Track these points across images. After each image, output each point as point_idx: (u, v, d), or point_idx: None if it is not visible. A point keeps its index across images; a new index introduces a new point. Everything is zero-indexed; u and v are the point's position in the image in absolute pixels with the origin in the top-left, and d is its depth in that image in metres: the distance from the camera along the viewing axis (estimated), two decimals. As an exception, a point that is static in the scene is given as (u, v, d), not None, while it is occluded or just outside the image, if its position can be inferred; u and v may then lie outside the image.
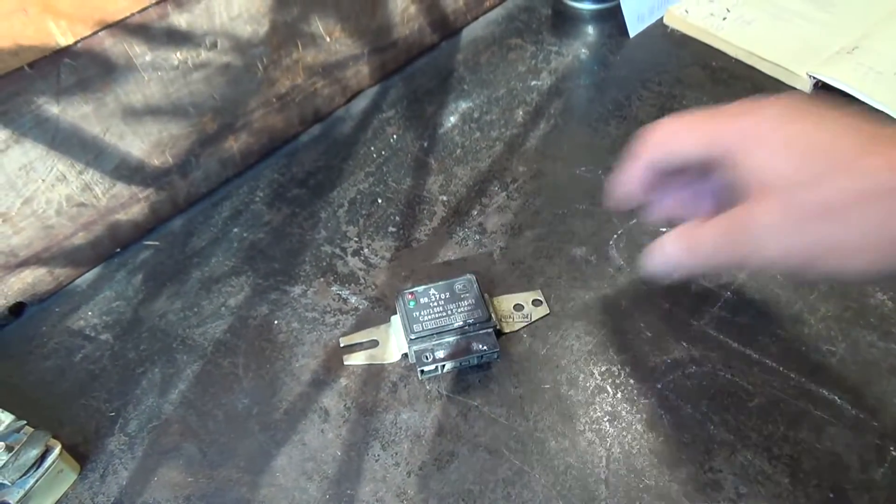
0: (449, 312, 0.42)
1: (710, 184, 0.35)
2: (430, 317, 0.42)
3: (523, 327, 0.44)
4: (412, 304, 0.43)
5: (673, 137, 0.34)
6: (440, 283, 0.44)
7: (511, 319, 0.44)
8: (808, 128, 0.31)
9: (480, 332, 0.42)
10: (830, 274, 0.31)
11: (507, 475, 0.37)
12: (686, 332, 0.42)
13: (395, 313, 0.44)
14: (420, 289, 0.44)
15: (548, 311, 0.44)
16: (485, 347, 0.41)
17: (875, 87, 0.52)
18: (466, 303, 0.43)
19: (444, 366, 0.41)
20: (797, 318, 0.42)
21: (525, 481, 0.37)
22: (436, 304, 0.43)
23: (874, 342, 0.41)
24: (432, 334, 0.42)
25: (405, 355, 0.43)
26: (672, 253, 0.34)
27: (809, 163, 0.31)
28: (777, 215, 0.31)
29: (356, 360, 0.43)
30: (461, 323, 0.42)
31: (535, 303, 0.45)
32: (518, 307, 0.44)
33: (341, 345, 0.44)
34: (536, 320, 0.44)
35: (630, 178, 0.35)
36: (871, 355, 0.40)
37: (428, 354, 0.41)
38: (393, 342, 0.44)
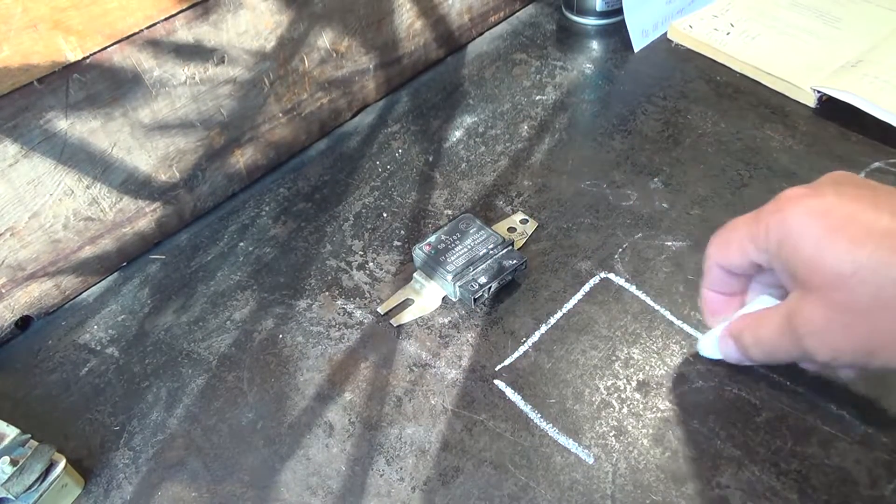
0: (468, 246, 0.46)
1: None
2: (454, 256, 0.46)
3: (526, 241, 0.49)
4: (433, 252, 0.46)
5: (722, 254, 0.35)
6: (443, 227, 0.47)
7: (513, 239, 0.48)
8: (861, 206, 0.29)
9: (503, 251, 0.46)
10: (892, 367, 0.29)
11: (513, 490, 0.37)
12: (692, 347, 0.42)
13: (416, 270, 0.47)
14: (432, 238, 0.47)
15: (537, 224, 0.50)
16: (514, 261, 0.45)
17: (882, 96, 0.52)
18: (478, 235, 0.47)
19: (489, 288, 0.44)
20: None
21: (530, 497, 0.37)
22: (452, 244, 0.46)
23: (882, 357, 0.40)
24: (466, 267, 0.45)
25: (444, 298, 0.46)
26: (734, 350, 0.37)
27: (859, 247, 0.28)
28: (820, 320, 0.30)
29: (405, 318, 0.46)
30: (485, 250, 0.46)
31: (523, 222, 0.50)
32: (511, 230, 0.50)
33: (381, 312, 0.46)
34: (531, 234, 0.49)
35: (708, 289, 0.38)
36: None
37: (472, 284, 0.44)
38: (426, 293, 0.46)
